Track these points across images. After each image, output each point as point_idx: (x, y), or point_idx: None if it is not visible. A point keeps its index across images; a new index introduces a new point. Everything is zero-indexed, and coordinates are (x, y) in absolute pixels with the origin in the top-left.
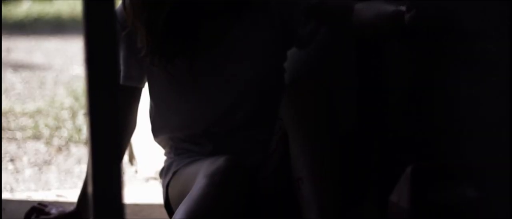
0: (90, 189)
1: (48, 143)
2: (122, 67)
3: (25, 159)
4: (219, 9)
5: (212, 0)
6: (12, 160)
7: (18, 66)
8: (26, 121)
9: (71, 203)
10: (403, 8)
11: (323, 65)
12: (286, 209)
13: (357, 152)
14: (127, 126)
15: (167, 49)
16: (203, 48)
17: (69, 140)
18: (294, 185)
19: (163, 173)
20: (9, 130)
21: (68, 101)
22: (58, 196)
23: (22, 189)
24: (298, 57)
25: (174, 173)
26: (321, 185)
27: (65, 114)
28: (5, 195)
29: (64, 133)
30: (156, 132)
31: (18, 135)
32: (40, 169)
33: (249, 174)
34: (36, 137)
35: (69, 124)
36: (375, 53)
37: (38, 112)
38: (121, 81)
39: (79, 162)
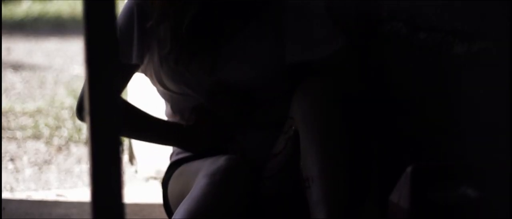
0: (91, 188)
1: (48, 142)
2: (135, 47)
3: (25, 158)
4: (228, 13)
5: (228, 5)
6: (12, 160)
7: (18, 66)
8: (26, 121)
9: (71, 203)
10: None
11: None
12: (290, 210)
13: (357, 152)
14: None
15: (189, 49)
16: (207, 47)
17: (69, 139)
18: (303, 184)
19: (171, 157)
20: (9, 129)
21: (68, 101)
22: (58, 195)
23: (22, 188)
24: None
25: (174, 168)
26: (331, 185)
27: (65, 114)
28: (5, 195)
29: (64, 133)
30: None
31: (18, 134)
32: (40, 168)
33: (252, 174)
34: (36, 136)
35: (69, 124)
36: (376, 53)
37: (38, 111)
38: (133, 61)
39: (79, 161)
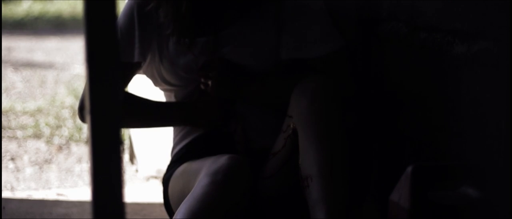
0: (91, 185)
1: (48, 141)
2: (137, 46)
3: (25, 157)
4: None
5: None
6: (12, 159)
7: (18, 65)
8: (26, 120)
9: (71, 202)
10: None
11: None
12: (290, 210)
13: (357, 152)
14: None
15: (190, 29)
16: (208, 28)
17: (70, 138)
18: (302, 183)
19: (171, 152)
20: (9, 128)
21: (68, 100)
22: (58, 194)
23: (23, 187)
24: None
25: (175, 167)
26: (330, 184)
27: (66, 113)
28: (6, 194)
29: (65, 132)
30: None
31: (19, 133)
32: (40, 167)
33: (252, 173)
34: (37, 135)
35: (69, 123)
36: (376, 53)
37: (39, 110)
38: (135, 59)
39: (79, 160)
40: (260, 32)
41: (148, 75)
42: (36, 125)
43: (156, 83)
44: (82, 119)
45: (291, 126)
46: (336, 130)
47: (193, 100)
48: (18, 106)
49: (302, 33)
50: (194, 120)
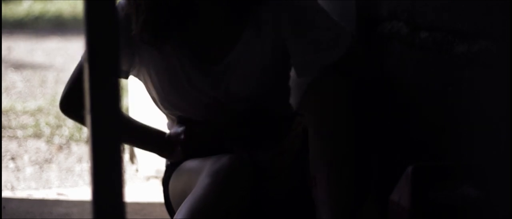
0: (91, 188)
1: (49, 141)
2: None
3: (26, 157)
4: (222, 14)
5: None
6: (13, 158)
7: (19, 65)
8: (27, 119)
9: (72, 202)
10: None
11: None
12: (293, 210)
13: (357, 152)
14: None
15: (160, 24)
16: (216, 55)
17: (70, 138)
18: (311, 182)
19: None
20: (10, 128)
21: None
22: (58, 194)
23: (23, 187)
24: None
25: (174, 166)
26: (339, 185)
27: None
28: (6, 193)
29: (65, 132)
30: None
31: (19, 133)
32: (41, 167)
33: (256, 172)
34: (37, 135)
35: (70, 123)
36: (375, 53)
37: (39, 110)
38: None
39: (80, 160)
40: (260, 55)
41: (140, 79)
42: (37, 125)
43: (149, 91)
44: (66, 112)
45: (302, 124)
46: (347, 130)
47: (169, 136)
48: (19, 106)
49: (312, 45)
50: (163, 154)
